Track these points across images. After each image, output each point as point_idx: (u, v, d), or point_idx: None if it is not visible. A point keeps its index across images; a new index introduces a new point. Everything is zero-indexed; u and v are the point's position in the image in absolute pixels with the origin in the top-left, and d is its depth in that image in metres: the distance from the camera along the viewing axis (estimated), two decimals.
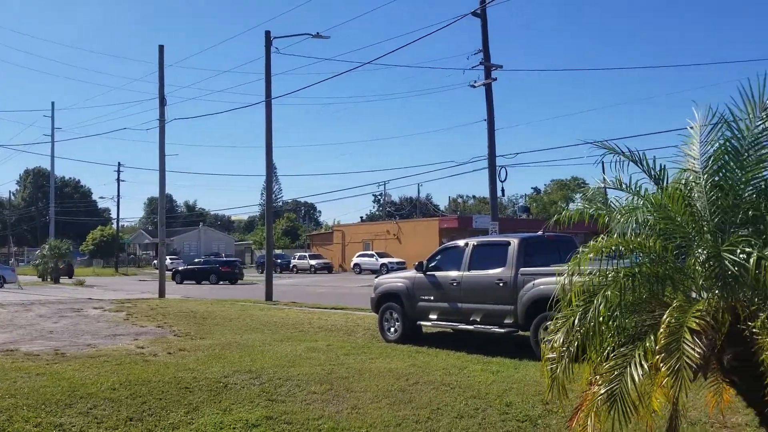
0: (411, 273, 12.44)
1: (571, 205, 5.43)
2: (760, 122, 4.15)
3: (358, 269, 52.66)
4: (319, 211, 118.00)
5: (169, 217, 60.26)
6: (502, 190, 30.18)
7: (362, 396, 7.60)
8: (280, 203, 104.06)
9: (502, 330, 10.64)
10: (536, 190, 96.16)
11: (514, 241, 10.77)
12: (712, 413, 5.11)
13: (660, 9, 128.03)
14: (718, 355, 4.02)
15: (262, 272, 44.17)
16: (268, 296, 24.14)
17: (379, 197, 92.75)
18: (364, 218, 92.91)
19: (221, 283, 40.47)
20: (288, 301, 23.20)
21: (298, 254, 60.72)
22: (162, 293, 26.58)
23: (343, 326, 14.68)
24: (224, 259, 49.00)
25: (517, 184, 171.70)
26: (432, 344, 11.53)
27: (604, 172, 5.02)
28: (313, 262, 56.66)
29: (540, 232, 11.60)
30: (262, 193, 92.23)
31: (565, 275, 4.21)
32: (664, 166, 4.52)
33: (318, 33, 27.58)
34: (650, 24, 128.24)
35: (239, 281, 41.50)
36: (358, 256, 54.51)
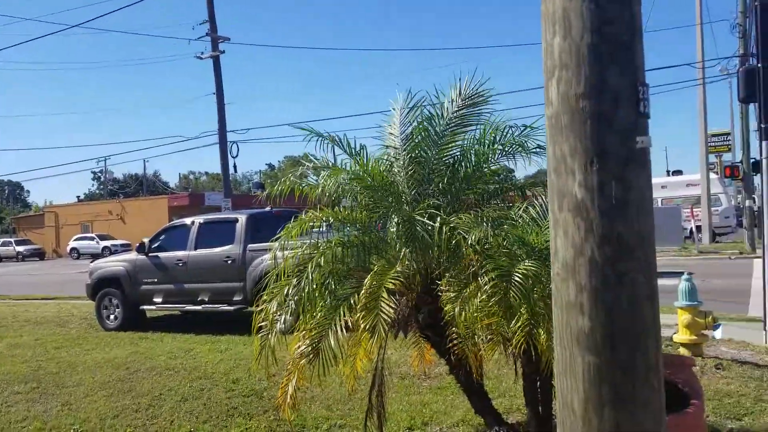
0: (132, 255, 11.74)
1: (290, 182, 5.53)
2: (456, 109, 4.66)
3: (76, 254, 48.16)
4: (27, 191, 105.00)
5: None
6: (234, 167, 29.82)
7: (75, 391, 7.01)
8: None
9: (232, 308, 10.58)
10: (271, 166, 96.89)
11: (242, 218, 10.73)
12: (417, 367, 5.65)
13: None
14: (415, 314, 4.44)
15: None
16: None
17: (99, 174, 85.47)
18: (82, 198, 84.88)
19: None
20: None
21: (2, 240, 53.78)
22: None
23: (55, 317, 13.34)
24: None
25: (251, 160, 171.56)
26: (158, 329, 11.03)
27: (319, 151, 5.20)
28: (20, 248, 50.64)
29: (268, 208, 11.70)
30: None
31: (276, 248, 4.32)
32: (364, 145, 4.82)
33: None
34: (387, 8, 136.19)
35: None
36: (75, 240, 49.87)
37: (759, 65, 8.09)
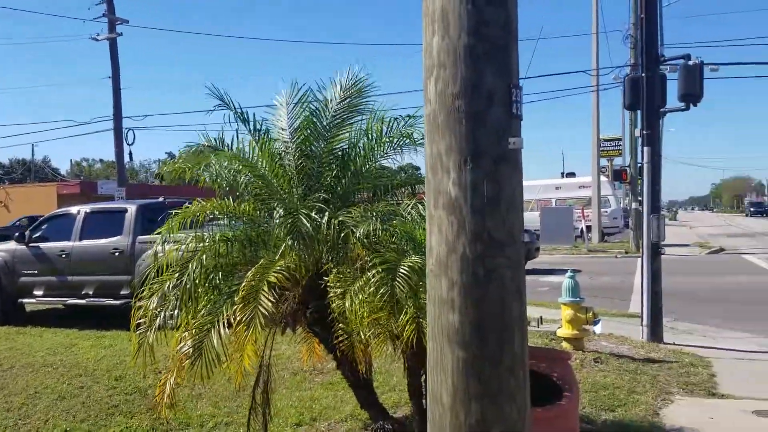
0: (11, 245, 11.00)
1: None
2: (339, 99, 4.63)
3: None
4: None
5: None
6: (130, 154, 28.61)
7: None
8: None
9: (119, 302, 10.10)
10: (171, 155, 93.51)
11: (132, 208, 10.28)
12: (307, 362, 5.60)
13: None
14: (303, 309, 4.39)
15: None
16: None
17: None
18: None
19: None
20: None
21: None
22: None
23: None
24: None
25: (151, 149, 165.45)
26: (38, 323, 10.39)
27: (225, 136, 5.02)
28: None
29: (161, 198, 11.28)
30: None
31: (158, 241, 4.16)
32: (268, 129, 4.71)
33: None
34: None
35: None
36: None
37: (643, 74, 8.57)
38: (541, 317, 9.11)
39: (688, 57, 8.59)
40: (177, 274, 4.10)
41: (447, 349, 2.45)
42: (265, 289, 3.63)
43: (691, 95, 8.56)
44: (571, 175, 38.45)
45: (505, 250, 2.44)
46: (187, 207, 4.32)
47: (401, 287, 3.59)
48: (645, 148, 8.61)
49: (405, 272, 3.64)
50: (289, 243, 3.95)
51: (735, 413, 5.38)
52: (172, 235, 4.39)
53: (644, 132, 8.62)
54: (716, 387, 6.15)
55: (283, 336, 4.87)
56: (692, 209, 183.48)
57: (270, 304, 3.60)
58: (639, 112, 9.01)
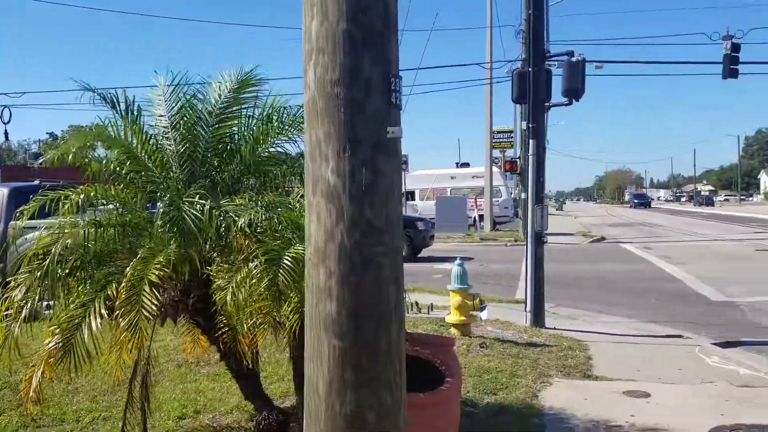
0: None
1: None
2: (229, 86, 4.49)
3: None
4: None
5: None
6: (6, 134, 26.73)
7: None
8: None
9: None
10: (53, 135, 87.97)
11: (3, 191, 9.60)
12: (191, 354, 5.43)
13: None
14: (185, 299, 4.24)
15: None
16: None
17: None
18: None
19: None
20: None
21: None
22: None
23: None
24: None
25: (31, 128, 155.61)
26: None
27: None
28: None
29: (37, 181, 10.58)
30: None
31: (16, 226, 3.90)
32: (140, 108, 4.48)
33: None
34: None
35: None
36: None
37: (529, 69, 8.88)
38: (431, 304, 9.28)
39: (571, 53, 8.98)
40: (46, 265, 3.84)
41: (324, 338, 2.43)
42: (147, 289, 3.46)
43: (574, 90, 8.96)
44: (466, 165, 39.49)
45: (383, 238, 2.44)
46: (60, 191, 4.06)
47: (285, 277, 3.53)
48: (531, 141, 8.94)
49: (289, 262, 3.58)
50: (170, 233, 3.78)
51: (607, 394, 5.70)
52: (45, 221, 4.13)
53: (530, 125, 8.95)
54: (591, 369, 6.49)
55: (164, 327, 4.68)
56: (578, 200, 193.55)
57: (153, 306, 3.43)
58: (526, 105, 9.35)
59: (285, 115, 4.50)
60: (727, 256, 18.67)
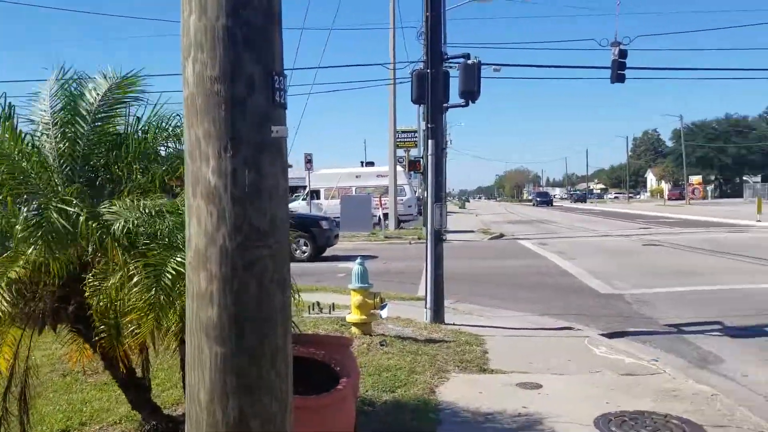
0: None
1: None
2: (114, 88, 4.28)
3: None
4: None
5: None
6: None
7: None
8: None
9: None
10: None
11: None
12: (75, 364, 5.14)
13: None
14: (65, 307, 4.00)
15: None
16: None
17: None
18: None
19: None
20: None
21: None
22: None
23: None
24: None
25: None
26: None
27: None
28: None
29: None
30: None
31: None
32: (12, 105, 4.19)
33: None
34: None
35: None
36: None
37: (428, 71, 9.01)
38: (333, 304, 9.30)
39: (467, 56, 9.19)
40: None
41: (205, 345, 2.34)
42: (3, 285, 3.23)
43: (470, 92, 9.17)
44: (371, 164, 39.78)
45: (267, 240, 2.38)
46: None
47: (168, 282, 3.39)
48: (430, 141, 9.09)
49: (174, 266, 3.44)
50: (38, 236, 3.53)
51: (501, 387, 5.87)
52: None
53: (429, 125, 9.10)
54: (488, 363, 6.66)
55: (50, 336, 4.41)
56: (479, 198, 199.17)
57: (6, 304, 3.21)
58: (425, 106, 9.49)
59: (173, 116, 4.34)
60: (615, 251, 19.72)
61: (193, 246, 2.38)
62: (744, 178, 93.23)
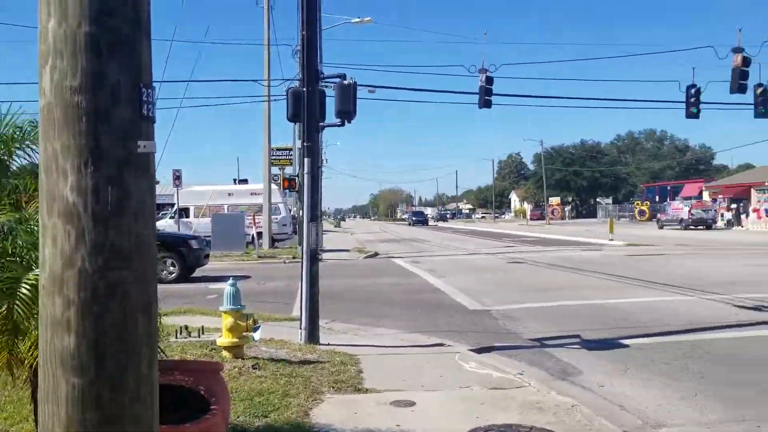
0: None
1: None
2: None
3: None
4: None
5: None
6: None
7: None
8: None
9: None
10: None
11: None
12: None
13: None
14: None
15: None
16: None
17: None
18: None
19: None
20: None
21: None
22: None
23: None
24: None
25: None
26: None
27: None
28: None
29: None
30: None
31: None
32: None
33: None
34: None
35: None
36: None
37: (304, 89, 8.99)
38: (203, 327, 8.97)
39: (343, 76, 9.27)
40: None
41: (61, 376, 2.15)
42: None
43: (346, 112, 9.24)
44: (244, 181, 39.05)
45: (131, 263, 2.23)
46: None
47: (21, 308, 3.11)
48: (305, 159, 9.03)
49: (27, 291, 3.17)
50: None
51: (376, 406, 5.88)
52: None
53: (305, 144, 9.06)
54: (362, 383, 6.66)
55: None
56: (355, 217, 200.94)
57: None
58: (301, 124, 9.44)
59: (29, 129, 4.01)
60: (483, 268, 20.53)
61: (48, 269, 2.19)
62: (598, 199, 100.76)
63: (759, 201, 53.59)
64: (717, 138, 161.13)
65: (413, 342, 8.95)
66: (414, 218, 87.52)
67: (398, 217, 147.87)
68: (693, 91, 19.64)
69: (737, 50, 18.13)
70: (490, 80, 19.24)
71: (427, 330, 9.91)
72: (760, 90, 19.42)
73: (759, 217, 50.41)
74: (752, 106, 19.47)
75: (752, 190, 55.71)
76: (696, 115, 19.85)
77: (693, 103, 19.65)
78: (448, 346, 8.64)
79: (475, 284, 15.91)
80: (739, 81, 18.12)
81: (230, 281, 7.65)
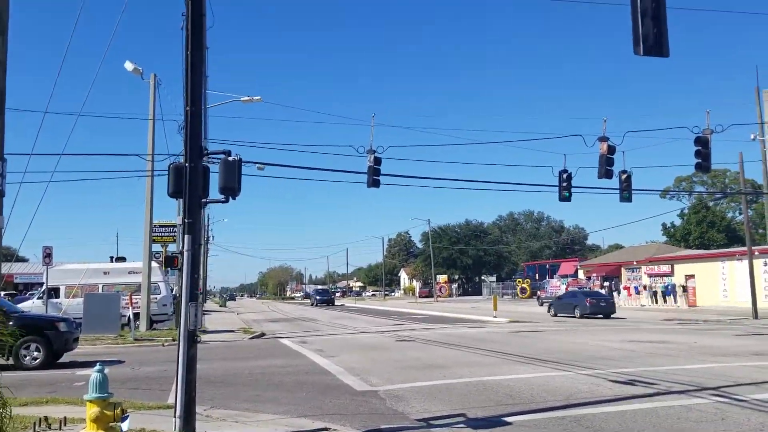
0: None
1: None
2: None
3: None
4: None
5: None
6: None
7: None
8: None
9: None
10: None
11: None
12: None
13: None
14: None
15: None
16: None
17: None
18: None
19: None
20: None
21: None
22: None
23: None
24: None
25: None
26: None
27: None
28: None
29: None
30: None
31: None
32: None
33: None
34: None
35: None
36: None
37: (187, 164, 8.74)
38: (65, 418, 8.22)
39: (228, 152, 9.13)
40: None
41: None
42: None
43: (231, 189, 9.05)
44: (122, 259, 37.21)
45: None
46: None
47: None
48: (186, 237, 8.69)
49: None
50: None
51: None
52: None
53: (186, 220, 8.73)
54: None
55: None
56: (242, 296, 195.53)
57: None
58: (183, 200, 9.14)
59: None
60: (372, 347, 20.36)
61: None
62: (482, 277, 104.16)
63: (629, 279, 57.42)
64: (589, 219, 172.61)
65: (298, 427, 8.59)
66: (318, 297, 72.88)
67: (287, 295, 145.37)
68: (565, 176, 21.04)
69: (603, 139, 19.68)
70: (378, 161, 19.71)
71: (313, 414, 9.56)
72: (624, 176, 21.11)
73: (629, 295, 53.81)
74: (617, 191, 21.09)
75: (622, 269, 59.70)
76: (568, 198, 21.20)
77: (565, 187, 21.01)
78: (334, 430, 8.34)
79: (363, 363, 15.69)
80: (605, 167, 19.60)
81: (97, 366, 7.09)
